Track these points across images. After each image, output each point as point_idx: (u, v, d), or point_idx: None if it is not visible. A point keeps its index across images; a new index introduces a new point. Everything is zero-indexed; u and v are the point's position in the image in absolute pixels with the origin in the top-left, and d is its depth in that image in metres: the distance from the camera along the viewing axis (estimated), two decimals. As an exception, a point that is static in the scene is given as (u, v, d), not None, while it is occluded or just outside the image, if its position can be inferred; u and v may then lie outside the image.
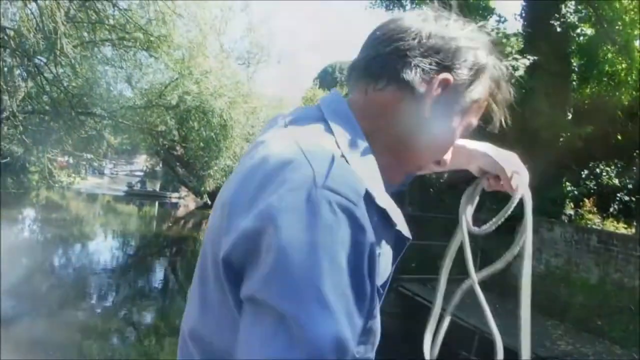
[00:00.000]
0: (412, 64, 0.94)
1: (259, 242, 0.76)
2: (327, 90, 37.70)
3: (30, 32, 13.95)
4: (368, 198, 0.81)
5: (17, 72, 16.56)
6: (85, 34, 17.45)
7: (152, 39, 18.01)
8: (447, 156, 1.08)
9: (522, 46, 12.04)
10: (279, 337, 0.71)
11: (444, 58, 0.95)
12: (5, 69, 15.40)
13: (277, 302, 0.72)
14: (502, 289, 10.92)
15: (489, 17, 13.02)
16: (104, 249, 20.00)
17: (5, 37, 13.80)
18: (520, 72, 10.23)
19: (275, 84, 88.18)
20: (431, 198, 14.67)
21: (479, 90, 1.00)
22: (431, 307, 1.26)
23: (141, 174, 48.01)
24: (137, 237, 24.29)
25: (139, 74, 21.90)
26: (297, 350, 0.70)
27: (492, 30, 12.64)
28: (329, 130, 0.91)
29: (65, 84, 17.70)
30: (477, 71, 0.98)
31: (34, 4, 13.65)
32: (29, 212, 24.98)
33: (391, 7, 14.99)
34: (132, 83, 22.00)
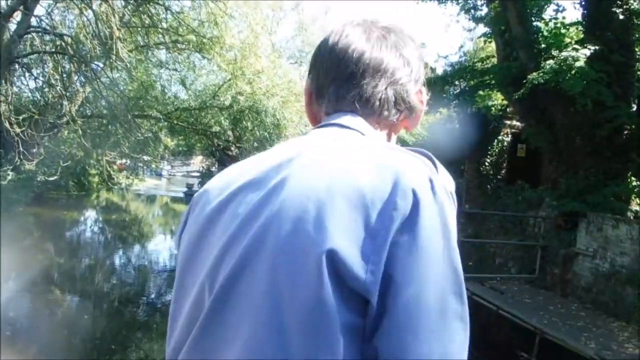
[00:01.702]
0: (412, 92, 1.09)
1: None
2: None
3: (87, 38, 14.27)
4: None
5: (75, 77, 16.98)
6: (140, 38, 17.78)
7: (204, 40, 18.22)
8: None
9: (582, 36, 11.59)
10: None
11: (418, 76, 1.12)
12: (64, 75, 15.80)
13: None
14: (564, 288, 10.61)
15: (546, 6, 12.60)
16: (163, 248, 20.34)
17: (64, 44, 14.15)
18: (581, 62, 9.85)
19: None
20: (488, 195, 14.32)
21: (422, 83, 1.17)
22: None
23: (198, 174, 48.70)
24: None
25: (192, 76, 22.24)
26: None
27: (550, 19, 12.24)
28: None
29: (121, 88, 18.07)
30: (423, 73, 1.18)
31: (90, 11, 13.95)
32: (90, 214, 25.64)
33: (444, 0, 14.67)
34: (186, 85, 22.32)
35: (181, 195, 36.74)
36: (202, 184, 38.22)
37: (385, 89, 1.04)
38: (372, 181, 0.82)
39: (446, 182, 0.89)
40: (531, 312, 8.93)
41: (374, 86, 1.03)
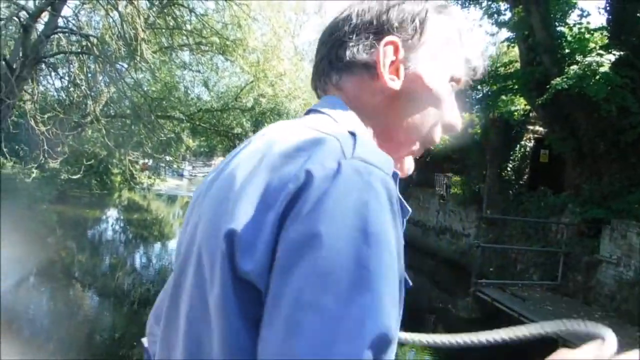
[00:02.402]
0: (350, 45, 0.92)
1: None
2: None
3: (112, 39, 14.44)
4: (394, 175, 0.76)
5: (100, 77, 17.20)
6: (164, 39, 17.96)
7: (227, 43, 18.37)
8: (438, 129, 0.98)
9: (607, 41, 11.46)
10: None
11: (378, 26, 0.92)
12: (89, 75, 16.00)
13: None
14: (587, 296, 10.49)
15: (570, 11, 12.49)
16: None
17: (89, 45, 14.32)
18: (605, 68, 9.75)
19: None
20: (510, 201, 14.21)
21: (434, 36, 0.95)
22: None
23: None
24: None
25: (215, 78, 22.41)
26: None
27: (574, 24, 12.11)
28: (332, 119, 0.87)
29: (145, 89, 18.26)
30: (421, 20, 0.94)
31: (115, 12, 14.11)
32: (112, 212, 25.90)
33: (466, 4, 14.59)
34: (209, 86, 22.48)
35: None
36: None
37: (323, 55, 0.98)
38: (282, 164, 0.74)
39: (374, 170, 0.72)
40: (553, 320, 8.82)
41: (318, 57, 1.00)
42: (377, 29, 0.92)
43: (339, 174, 0.69)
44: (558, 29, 12.25)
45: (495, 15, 13.85)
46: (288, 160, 0.74)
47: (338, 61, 0.94)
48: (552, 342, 7.18)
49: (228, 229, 0.72)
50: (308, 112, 0.93)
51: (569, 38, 12.00)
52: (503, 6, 13.62)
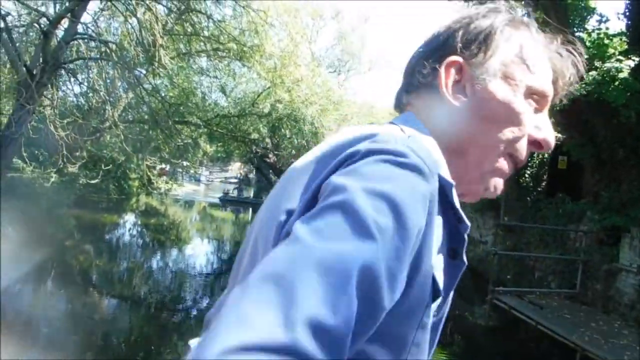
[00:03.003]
0: (417, 70, 0.97)
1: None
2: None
3: (130, 45, 14.60)
4: (441, 181, 0.77)
5: (118, 83, 17.37)
6: (182, 45, 18.09)
7: (245, 49, 18.47)
8: (521, 146, 0.96)
9: (626, 47, 11.36)
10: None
11: (444, 50, 0.95)
12: (108, 80, 16.18)
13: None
14: (606, 305, 10.36)
15: (589, 17, 12.40)
16: (200, 253, 20.54)
17: (108, 51, 14.47)
18: (624, 74, 9.66)
19: (366, 92, 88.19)
20: (528, 208, 14.10)
21: (503, 51, 0.94)
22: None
23: (235, 181, 49.15)
24: (231, 242, 24.84)
25: (232, 83, 22.51)
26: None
27: (593, 30, 12.02)
28: (400, 128, 0.88)
29: (162, 94, 18.39)
30: (486, 37, 0.94)
31: (134, 18, 14.25)
32: (130, 217, 26.07)
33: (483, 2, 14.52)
34: (226, 92, 22.60)
35: (217, 201, 37.12)
36: (238, 190, 38.60)
37: (400, 85, 1.04)
38: (333, 152, 0.79)
39: (418, 160, 0.73)
40: (571, 329, 8.70)
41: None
42: (442, 53, 0.95)
43: (381, 153, 0.72)
44: (577, 34, 12.16)
45: (513, 20, 13.80)
46: (341, 148, 0.78)
47: (408, 86, 0.99)
48: (571, 352, 7.05)
49: (287, 208, 0.77)
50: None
51: (588, 44, 11.92)
52: (521, 12, 13.57)
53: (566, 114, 11.16)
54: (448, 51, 0.94)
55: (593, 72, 10.20)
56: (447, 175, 0.79)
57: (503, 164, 0.95)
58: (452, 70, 0.93)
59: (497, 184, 0.98)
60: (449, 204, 0.79)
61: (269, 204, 0.86)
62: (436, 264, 0.77)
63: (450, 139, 0.92)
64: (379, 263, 0.63)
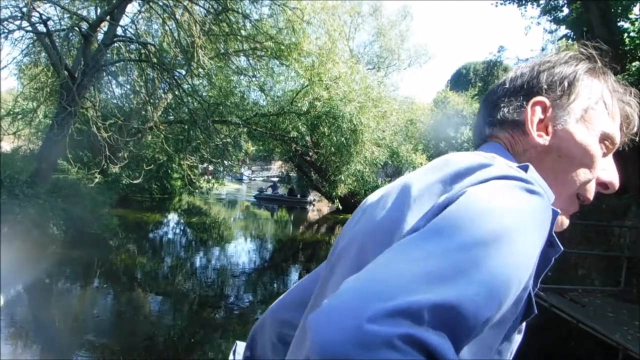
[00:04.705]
0: (502, 106, 1.04)
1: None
2: (459, 92, 36.73)
3: (169, 46, 14.82)
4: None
5: (158, 85, 17.63)
6: (220, 46, 18.24)
7: (282, 47, 18.53)
8: (591, 187, 1.04)
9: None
10: None
11: (528, 89, 1.02)
12: (148, 82, 16.44)
13: None
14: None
15: (632, 5, 12.04)
16: (242, 252, 20.71)
17: (148, 52, 14.71)
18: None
19: (406, 87, 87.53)
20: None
21: (584, 96, 1.01)
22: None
23: (277, 179, 49.35)
24: (273, 240, 24.98)
25: (271, 82, 22.58)
26: None
27: (637, 19, 11.66)
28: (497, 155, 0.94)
29: (202, 94, 18.59)
30: (570, 82, 1.01)
31: (172, 20, 14.46)
32: (172, 216, 26.46)
33: (524, 2, 14.27)
34: (265, 91, 22.69)
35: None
36: (272, 187, 38.73)
37: (480, 116, 1.11)
38: (453, 179, 0.82)
39: (539, 190, 0.79)
40: (614, 327, 8.46)
41: None
42: (528, 92, 1.02)
43: (514, 178, 0.79)
44: (619, 24, 11.84)
45: (553, 12, 13.53)
46: (465, 171, 0.82)
47: (491, 119, 1.05)
48: (614, 351, 6.85)
49: (401, 228, 0.81)
50: None
51: (632, 34, 11.59)
52: (561, 2, 13.29)
53: (608, 106, 10.88)
54: (532, 91, 1.02)
55: (636, 63, 9.92)
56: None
57: (572, 201, 1.03)
58: (538, 109, 1.00)
59: (564, 222, 1.05)
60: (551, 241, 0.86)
61: (371, 218, 0.90)
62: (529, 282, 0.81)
63: None
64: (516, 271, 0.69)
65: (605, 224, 11.98)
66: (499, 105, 1.03)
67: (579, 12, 11.67)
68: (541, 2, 13.96)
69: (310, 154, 27.18)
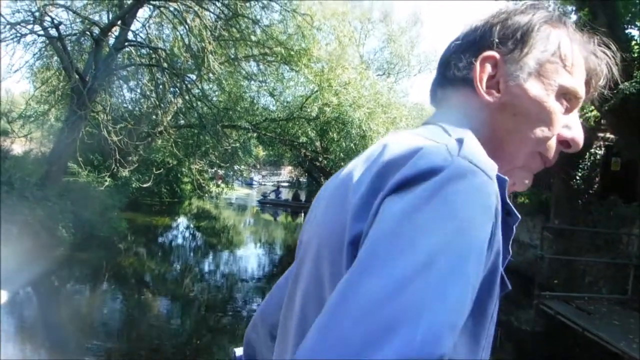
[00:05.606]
0: (452, 63, 0.97)
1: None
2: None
3: (180, 51, 14.91)
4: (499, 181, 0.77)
5: (168, 89, 17.72)
6: (230, 51, 18.33)
7: (292, 53, 18.59)
8: (551, 146, 0.97)
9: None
10: None
11: (480, 44, 0.95)
12: (159, 86, 16.53)
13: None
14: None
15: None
16: (251, 256, 20.72)
17: (158, 57, 14.80)
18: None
19: (416, 94, 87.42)
20: (578, 210, 13.71)
21: (538, 49, 0.94)
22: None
23: (287, 184, 49.34)
24: (281, 245, 25.00)
25: (281, 87, 22.64)
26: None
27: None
28: (443, 129, 0.89)
29: (212, 99, 18.68)
30: (523, 34, 0.94)
31: (183, 25, 14.55)
32: (182, 220, 26.53)
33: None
34: (275, 96, 22.75)
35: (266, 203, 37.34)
36: (275, 192, 38.72)
37: (435, 75, 1.05)
38: (392, 166, 0.78)
39: (477, 170, 0.74)
40: (620, 336, 8.40)
41: None
42: (479, 47, 0.95)
43: (442, 169, 0.72)
44: (627, 31, 11.79)
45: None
46: (398, 161, 0.77)
47: (443, 79, 1.00)
48: (619, 359, 6.82)
49: (350, 223, 0.78)
50: (424, 124, 0.96)
51: (639, 39, 11.56)
52: (569, 8, 13.26)
53: (617, 113, 10.84)
54: (484, 45, 0.94)
55: (644, 70, 9.89)
56: (499, 172, 0.79)
57: (533, 160, 0.97)
58: (488, 65, 0.94)
59: (527, 179, 0.99)
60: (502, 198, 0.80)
61: (327, 211, 0.88)
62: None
63: (484, 134, 0.92)
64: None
65: (613, 231, 11.91)
66: (450, 63, 0.98)
67: (587, 19, 11.65)
68: (550, 9, 13.92)
69: (320, 159, 27.19)
